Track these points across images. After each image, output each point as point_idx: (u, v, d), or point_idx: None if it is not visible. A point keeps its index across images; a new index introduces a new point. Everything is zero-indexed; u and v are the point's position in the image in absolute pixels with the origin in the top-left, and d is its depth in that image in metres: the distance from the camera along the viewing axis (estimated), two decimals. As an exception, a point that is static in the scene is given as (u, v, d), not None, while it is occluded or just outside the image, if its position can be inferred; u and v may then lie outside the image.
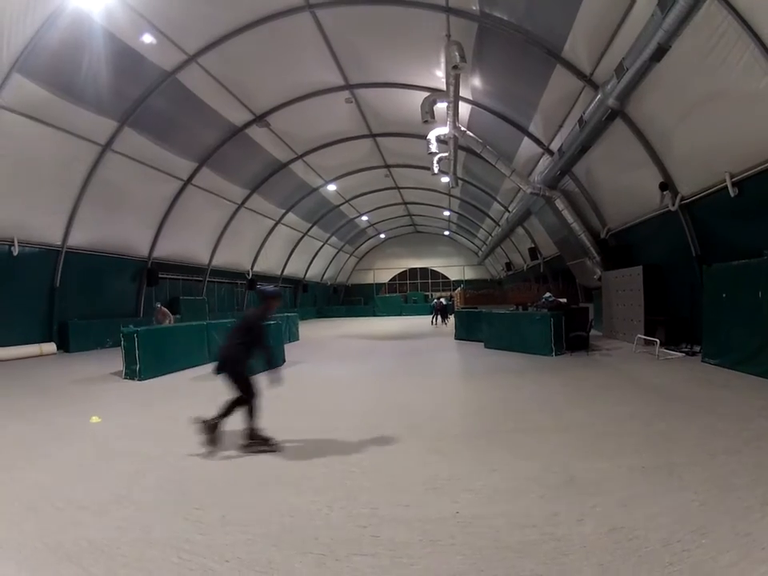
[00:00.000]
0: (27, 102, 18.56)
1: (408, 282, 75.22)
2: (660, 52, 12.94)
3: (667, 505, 5.19)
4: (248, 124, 28.58)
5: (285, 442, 8.15)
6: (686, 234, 17.35)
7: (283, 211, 42.51)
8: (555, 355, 17.38)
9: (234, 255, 40.36)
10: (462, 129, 24.12)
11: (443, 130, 24.36)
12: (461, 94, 21.07)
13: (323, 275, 64.35)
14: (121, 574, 4.23)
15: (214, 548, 4.67)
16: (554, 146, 23.36)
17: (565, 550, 4.40)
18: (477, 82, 23.24)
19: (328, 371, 16.53)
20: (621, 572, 3.99)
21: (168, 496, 5.96)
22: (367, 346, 25.39)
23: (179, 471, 6.84)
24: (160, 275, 31.57)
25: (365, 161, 39.18)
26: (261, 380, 8.03)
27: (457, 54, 16.59)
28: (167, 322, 21.65)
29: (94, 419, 9.98)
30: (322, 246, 56.89)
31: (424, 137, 26.41)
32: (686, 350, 16.52)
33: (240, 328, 7.99)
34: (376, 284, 74.95)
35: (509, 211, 38.64)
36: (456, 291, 54.72)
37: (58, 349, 23.64)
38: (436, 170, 29.66)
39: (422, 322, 45.27)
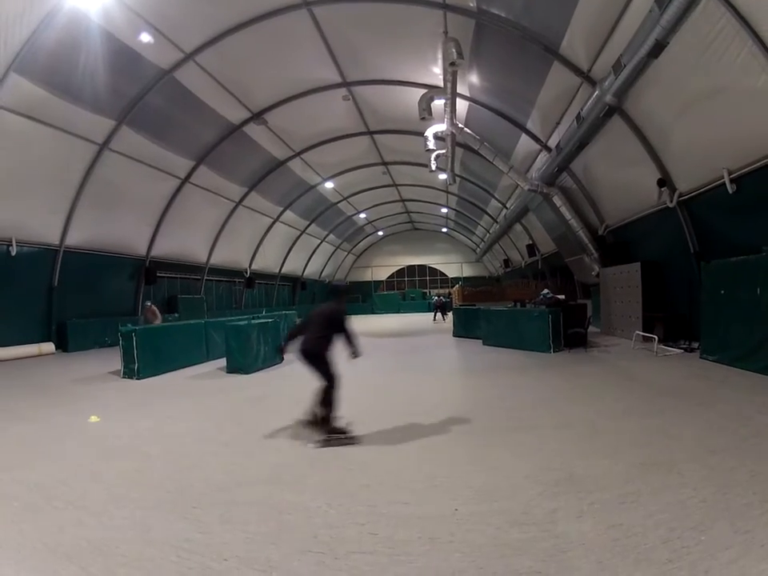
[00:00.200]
0: (25, 101, 18.53)
1: (406, 279, 75.12)
2: (658, 48, 12.94)
3: (666, 502, 5.20)
4: (245, 122, 28.53)
5: (283, 440, 8.15)
6: (684, 230, 17.35)
7: (281, 209, 42.41)
8: (553, 352, 17.41)
9: (232, 253, 40.30)
10: (460, 126, 24.12)
11: (441, 127, 24.33)
12: (458, 91, 21.05)
13: (321, 273, 64.19)
14: (120, 574, 4.23)
15: (212, 547, 4.68)
16: (552, 142, 23.33)
17: (563, 547, 4.41)
18: (474, 78, 23.22)
19: (327, 369, 16.50)
20: (620, 569, 4.00)
21: (167, 495, 5.97)
22: (365, 343, 25.16)
23: (178, 470, 6.85)
24: (158, 274, 31.51)
25: (362, 158, 39.11)
26: (340, 356, 8.59)
27: (454, 50, 16.58)
28: (156, 321, 21.51)
29: (93, 418, 9.99)
30: (320, 243, 56.78)
31: (421, 134, 26.38)
32: (685, 346, 16.52)
33: (320, 322, 8.43)
34: (374, 281, 74.82)
35: (507, 208, 38.65)
36: (454, 288, 54.69)
37: (56, 348, 23.62)
38: (434, 167, 29.57)
39: (420, 319, 45.35)
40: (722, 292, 13.72)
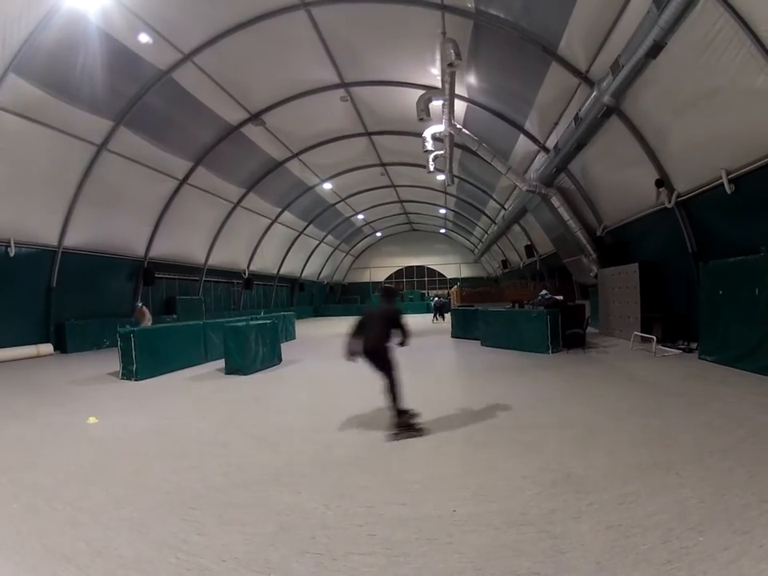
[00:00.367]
0: (23, 102, 18.54)
1: (404, 280, 75.10)
2: (656, 49, 12.94)
3: (664, 502, 5.20)
4: (243, 123, 28.55)
5: (281, 441, 8.16)
6: (682, 230, 17.36)
7: (279, 210, 42.42)
8: (552, 353, 17.41)
9: (231, 254, 40.31)
10: (458, 126, 24.10)
11: (439, 128, 24.31)
12: (456, 92, 21.01)
13: (319, 274, 64.29)
14: (118, 575, 4.23)
15: (211, 548, 4.68)
16: (550, 143, 23.35)
17: (562, 548, 4.41)
18: (472, 79, 23.23)
19: (325, 369, 16.50)
20: (618, 570, 4.00)
21: (165, 496, 5.97)
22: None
23: (176, 471, 6.85)
24: (156, 275, 31.50)
25: (360, 159, 39.12)
26: (393, 345, 9.17)
27: (452, 51, 16.57)
28: (144, 322, 21.54)
29: (92, 420, 9.99)
30: (318, 244, 56.84)
31: (419, 135, 26.33)
32: (683, 346, 16.54)
33: (379, 321, 9.29)
34: (372, 282, 74.73)
35: (505, 209, 38.65)
36: (452, 289, 54.69)
37: (55, 349, 23.59)
38: (432, 168, 29.58)
39: (419, 320, 45.26)
40: (721, 292, 13.73)
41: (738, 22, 11.18)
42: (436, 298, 48.30)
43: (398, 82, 25.83)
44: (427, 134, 25.31)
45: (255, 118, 28.16)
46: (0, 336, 21.04)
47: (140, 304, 22.40)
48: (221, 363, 16.62)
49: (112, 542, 4.81)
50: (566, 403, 10.21)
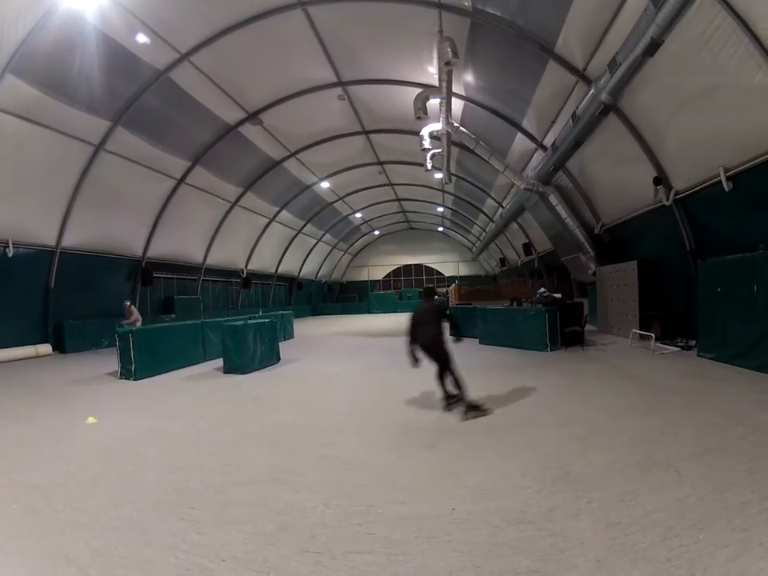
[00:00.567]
0: (20, 102, 18.52)
1: (402, 278, 75.07)
2: (653, 46, 12.94)
3: (664, 500, 5.21)
4: (241, 122, 28.53)
5: (280, 440, 8.17)
6: (680, 228, 17.36)
7: (277, 209, 42.44)
8: (550, 350, 17.43)
9: (229, 253, 40.29)
10: (455, 125, 24.10)
11: (436, 126, 24.30)
12: (453, 90, 21.01)
13: (317, 273, 64.27)
14: (118, 575, 4.24)
15: (210, 547, 4.69)
16: (548, 141, 23.37)
17: (561, 546, 4.42)
18: (469, 77, 23.22)
19: (323, 368, 16.52)
20: (618, 568, 4.01)
21: (164, 496, 5.97)
22: (362, 342, 25.40)
23: (175, 471, 6.85)
24: (154, 274, 31.48)
25: (358, 158, 39.11)
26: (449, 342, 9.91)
27: (449, 50, 16.57)
28: (131, 319, 21.43)
29: (90, 420, 9.98)
30: (316, 243, 56.84)
31: (417, 133, 26.31)
32: (682, 344, 16.53)
33: (431, 319, 10.21)
34: (370, 281, 74.86)
35: (502, 207, 38.66)
36: (451, 287, 54.73)
37: (53, 350, 23.56)
38: (429, 167, 29.62)
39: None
40: (719, 290, 13.72)
41: (736, 20, 11.18)
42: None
43: (395, 81, 25.81)
44: (425, 132, 25.30)
45: (253, 117, 28.15)
46: (-2, 336, 21.00)
47: (128, 303, 22.18)
48: (219, 362, 16.65)
49: (111, 542, 4.82)
50: (564, 401, 10.22)
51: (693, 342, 15.92)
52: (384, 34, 21.56)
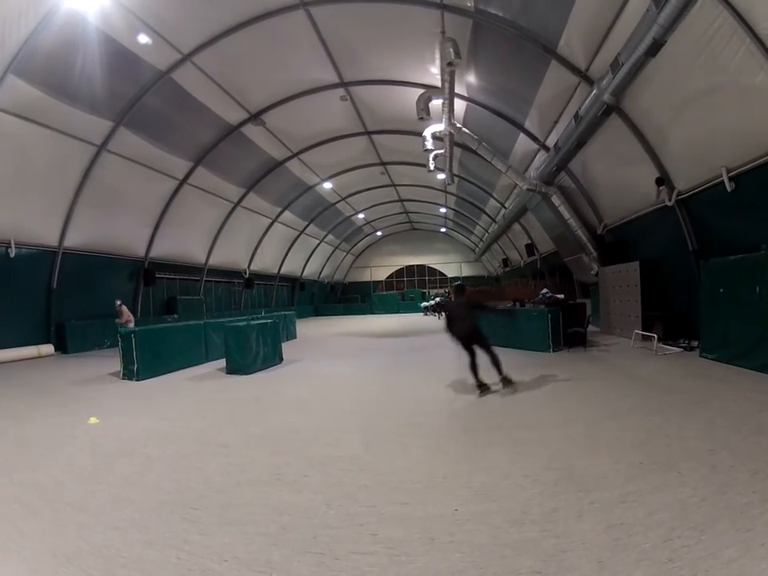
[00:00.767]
0: (22, 103, 18.54)
1: (405, 279, 75.17)
2: (655, 47, 12.93)
3: (666, 501, 5.20)
4: (243, 122, 28.57)
5: (282, 440, 8.17)
6: (682, 229, 17.34)
7: (279, 209, 42.46)
8: (553, 351, 17.41)
9: (231, 254, 40.35)
10: (458, 125, 24.10)
11: (439, 127, 24.31)
12: (456, 91, 21.03)
13: (320, 273, 64.36)
14: (119, 575, 4.23)
15: (212, 548, 4.68)
16: (550, 141, 23.35)
17: (564, 547, 4.41)
18: (472, 78, 23.22)
19: (326, 369, 16.54)
20: (620, 569, 4.00)
21: (166, 496, 5.97)
22: (365, 343, 25.40)
23: (177, 471, 6.85)
24: (157, 275, 31.55)
25: (360, 158, 39.14)
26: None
27: (451, 50, 16.60)
28: (126, 321, 21.31)
29: (93, 420, 9.99)
30: (319, 244, 56.92)
31: (419, 134, 26.35)
32: (684, 345, 16.50)
33: (466, 311, 11.73)
34: (373, 282, 74.95)
35: (505, 207, 38.69)
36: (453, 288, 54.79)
37: (55, 350, 23.62)
38: (432, 167, 29.58)
39: (419, 319, 45.47)
40: (721, 290, 13.70)
41: (737, 20, 11.16)
42: (438, 299, 50.36)
43: (397, 81, 25.83)
44: (427, 133, 25.33)
45: (255, 117, 28.18)
46: (1, 337, 21.06)
47: (118, 302, 21.89)
48: (222, 363, 16.66)
49: (113, 542, 4.82)
50: (567, 402, 10.21)
51: (695, 343, 15.88)
52: (386, 34, 21.57)
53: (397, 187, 48.62)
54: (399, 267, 75.36)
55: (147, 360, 15.52)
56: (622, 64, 14.33)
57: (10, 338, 21.40)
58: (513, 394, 11.01)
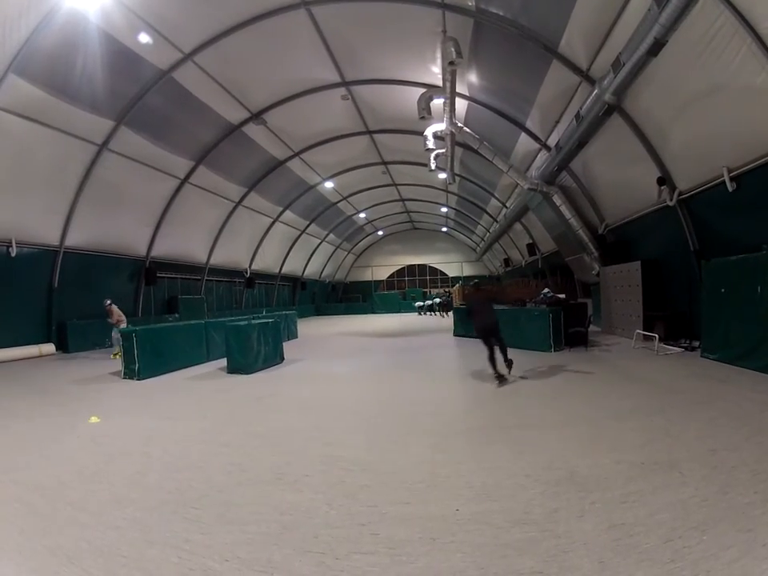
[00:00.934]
0: (23, 102, 18.53)
1: (406, 278, 75.12)
2: (657, 46, 12.94)
3: (667, 501, 5.20)
4: (245, 122, 28.56)
5: (283, 440, 8.17)
6: (684, 228, 17.33)
7: (281, 209, 42.45)
8: (554, 351, 17.43)
9: (232, 253, 40.36)
10: (459, 125, 24.12)
11: (440, 127, 24.32)
12: (457, 90, 21.02)
13: (321, 273, 64.35)
14: (120, 575, 4.24)
15: (213, 547, 4.68)
16: (551, 141, 23.35)
17: (565, 547, 4.40)
18: (473, 78, 23.21)
19: (327, 368, 16.56)
20: (621, 569, 4.00)
21: (167, 496, 5.97)
22: (366, 343, 25.40)
23: (178, 471, 6.85)
24: (158, 274, 31.55)
25: (362, 158, 39.12)
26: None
27: (453, 49, 16.59)
28: (116, 321, 21.04)
29: (94, 419, 9.99)
30: (320, 243, 56.89)
31: (421, 133, 26.38)
32: (685, 345, 16.49)
33: (486, 307, 13.49)
34: (374, 281, 74.90)
35: (506, 207, 38.65)
36: (454, 288, 54.79)
37: (56, 349, 23.63)
38: (433, 167, 29.58)
39: (421, 318, 45.46)
40: (723, 290, 13.69)
41: (739, 20, 11.15)
42: (438, 299, 51.86)
43: (398, 81, 25.83)
44: (428, 132, 25.35)
45: (256, 117, 28.16)
46: (2, 336, 21.08)
47: (108, 302, 21.42)
48: (223, 362, 16.68)
49: (114, 541, 4.82)
50: (568, 402, 10.22)
51: (696, 343, 15.89)
52: (388, 33, 21.56)
53: (398, 187, 48.58)
54: (400, 267, 75.30)
55: (148, 359, 15.54)
56: (624, 64, 14.34)
57: (11, 337, 21.43)
58: (504, 383, 12.15)
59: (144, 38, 18.99)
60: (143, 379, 15.01)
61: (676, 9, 11.59)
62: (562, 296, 20.76)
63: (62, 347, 23.97)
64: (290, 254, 50.78)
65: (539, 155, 26.27)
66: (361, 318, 51.39)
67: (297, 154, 35.35)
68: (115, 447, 8.05)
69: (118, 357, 18.84)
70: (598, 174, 22.27)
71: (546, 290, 21.25)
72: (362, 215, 56.72)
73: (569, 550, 4.34)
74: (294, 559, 4.43)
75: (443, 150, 27.90)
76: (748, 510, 4.89)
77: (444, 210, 56.69)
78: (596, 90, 16.52)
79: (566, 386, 11.88)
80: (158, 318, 29.13)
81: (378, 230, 68.85)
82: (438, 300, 51.58)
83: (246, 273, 43.57)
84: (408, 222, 68.13)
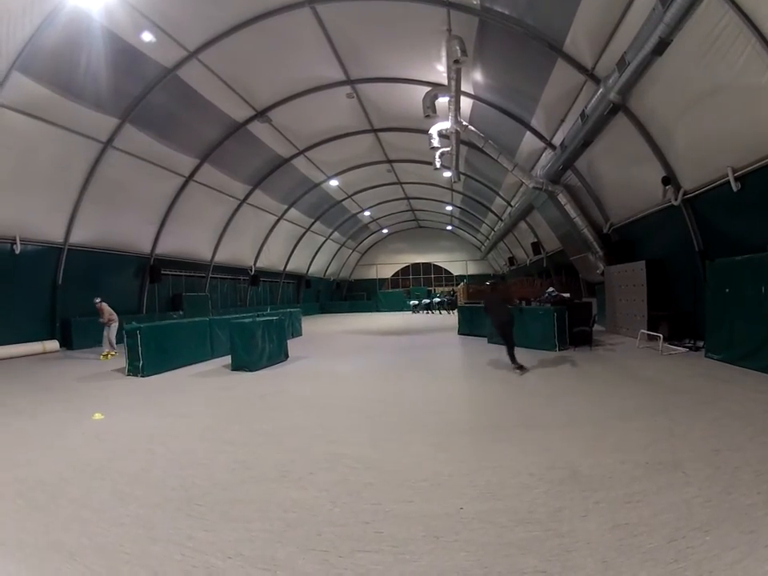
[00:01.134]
0: (27, 100, 18.57)
1: (411, 277, 75.00)
2: (662, 46, 12.93)
3: (671, 501, 5.19)
4: (249, 120, 28.58)
5: (287, 437, 8.18)
6: (688, 228, 17.32)
7: (285, 207, 42.51)
8: (558, 350, 17.39)
9: (237, 251, 40.43)
10: (464, 123, 24.10)
11: (445, 125, 24.32)
12: (462, 89, 21.02)
13: (326, 271, 64.35)
14: (123, 572, 4.23)
15: (217, 544, 4.68)
16: (556, 140, 23.34)
17: (568, 547, 4.40)
18: (478, 76, 23.20)
19: (331, 366, 16.58)
20: (624, 569, 3.99)
21: (171, 492, 5.98)
22: (370, 341, 25.41)
23: (182, 468, 6.86)
24: (162, 272, 31.64)
25: (367, 156, 39.14)
26: None
27: (458, 48, 16.58)
28: (108, 320, 20.53)
29: (97, 416, 10.01)
30: (325, 241, 56.92)
31: (426, 131, 26.36)
32: (690, 345, 16.47)
33: (502, 305, 14.42)
34: (379, 279, 74.89)
35: (511, 206, 38.66)
36: (459, 286, 54.78)
37: (60, 346, 23.68)
38: (438, 165, 29.58)
39: (425, 317, 45.43)
40: (727, 290, 13.67)
41: (742, 19, 11.15)
42: (436, 298, 53.00)
43: (403, 79, 25.84)
44: (433, 130, 25.35)
45: (261, 115, 28.20)
46: (6, 333, 21.14)
47: (98, 300, 20.98)
48: (227, 360, 16.71)
49: (117, 538, 4.82)
50: (572, 401, 10.19)
51: (701, 343, 15.85)
52: (393, 32, 21.56)
53: (403, 185, 48.59)
54: (405, 265, 75.22)
55: (152, 356, 15.56)
56: (629, 63, 14.34)
57: (15, 334, 21.49)
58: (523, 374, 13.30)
59: (148, 36, 19.00)
60: (147, 376, 15.03)
61: (681, 8, 11.58)
62: (567, 295, 20.71)
63: (66, 344, 24.04)
64: (295, 252, 50.81)
65: (544, 154, 26.26)
66: (365, 316, 51.37)
67: (302, 152, 35.37)
68: (119, 444, 8.06)
69: (109, 358, 18.89)
70: (602, 173, 22.27)
71: (551, 288, 21.19)
72: (367, 213, 56.73)
73: (572, 550, 4.33)
74: (297, 557, 4.43)
75: (448, 149, 27.90)
76: (751, 510, 4.88)
77: (449, 208, 56.65)
78: (601, 89, 16.52)
79: (570, 386, 11.87)
80: (163, 316, 29.10)
81: (382, 228, 68.80)
82: (436, 299, 51.69)
83: (251, 270, 43.64)
84: (413, 220, 68.07)
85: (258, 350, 16.07)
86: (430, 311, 50.99)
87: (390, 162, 40.82)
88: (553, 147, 24.07)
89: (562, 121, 22.15)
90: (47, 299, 23.81)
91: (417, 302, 53.49)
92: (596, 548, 4.33)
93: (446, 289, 63.73)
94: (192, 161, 28.92)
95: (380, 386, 12.94)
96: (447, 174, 35.01)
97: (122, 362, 16.66)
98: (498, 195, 40.28)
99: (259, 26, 20.37)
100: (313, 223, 49.90)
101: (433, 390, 12.12)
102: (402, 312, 56.37)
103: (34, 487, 6.21)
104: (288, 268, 51.30)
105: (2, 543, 4.75)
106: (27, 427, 9.36)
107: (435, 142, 25.85)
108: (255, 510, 5.41)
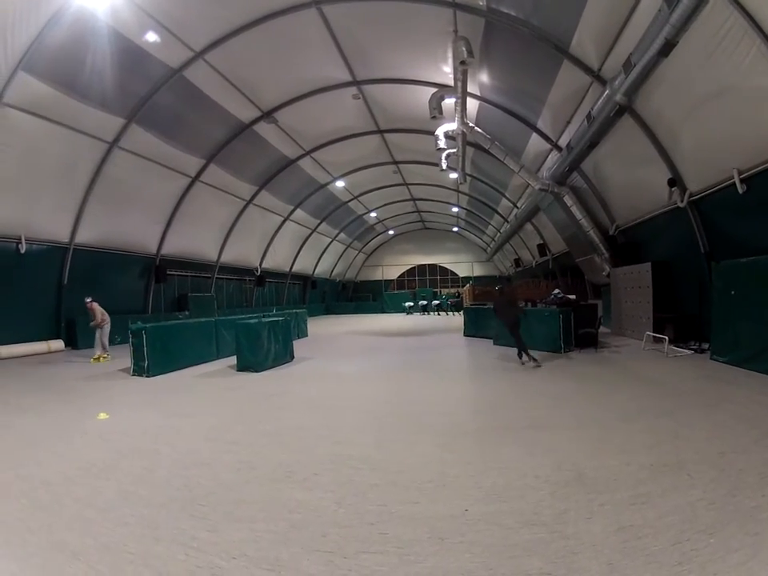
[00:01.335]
0: (33, 99, 18.61)
1: (417, 278, 75.00)
2: (667, 47, 12.90)
3: (676, 503, 5.18)
4: (255, 120, 28.60)
5: (293, 438, 8.18)
6: (694, 230, 17.27)
7: (291, 207, 42.49)
8: (564, 352, 17.36)
9: (243, 252, 40.44)
10: (470, 125, 24.08)
11: (451, 126, 24.31)
12: (468, 90, 21.01)
13: (332, 272, 64.35)
14: (127, 571, 4.24)
15: (221, 545, 4.68)
16: (563, 141, 23.30)
17: (574, 549, 4.39)
18: (484, 77, 23.18)
19: (337, 367, 16.58)
20: (629, 571, 3.99)
21: (175, 493, 5.98)
22: (376, 342, 25.42)
23: (186, 468, 6.87)
24: (168, 272, 31.70)
25: (373, 157, 39.11)
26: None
27: (464, 49, 16.58)
28: (99, 320, 19.76)
29: (102, 416, 10.03)
30: (331, 242, 56.89)
31: (432, 133, 26.39)
32: (695, 347, 16.46)
33: (510, 307, 15.86)
34: (385, 280, 74.84)
35: (517, 207, 38.65)
36: (465, 288, 54.74)
37: (65, 346, 23.74)
38: (444, 166, 29.52)
39: (431, 318, 45.43)
40: (733, 293, 13.65)
41: (748, 21, 11.10)
42: (436, 301, 54.51)
43: (410, 80, 25.82)
44: (440, 132, 25.36)
45: (267, 115, 28.20)
46: (11, 332, 21.21)
47: (89, 300, 20.17)
48: (232, 360, 16.72)
49: (121, 538, 4.83)
50: (578, 403, 10.19)
51: (706, 345, 15.86)
52: (399, 33, 21.56)
53: (409, 186, 48.54)
54: (411, 266, 75.16)
55: (158, 356, 15.59)
56: (635, 64, 14.30)
57: (20, 334, 21.55)
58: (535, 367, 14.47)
59: (153, 36, 19.02)
60: (152, 376, 15.07)
61: (686, 9, 11.55)
62: (573, 297, 20.69)
63: (71, 344, 24.09)
64: (301, 253, 50.81)
65: (550, 155, 26.22)
66: (371, 318, 51.39)
67: (308, 153, 35.38)
68: (123, 444, 8.08)
69: (101, 361, 18.88)
70: (608, 175, 22.23)
71: (557, 290, 21.19)
72: (373, 214, 56.69)
73: (577, 552, 4.33)
74: (302, 558, 4.43)
75: (454, 150, 27.86)
76: (756, 513, 4.88)
77: (455, 209, 56.61)
78: (607, 91, 16.48)
79: (575, 387, 11.85)
80: (168, 316, 29.11)
81: (388, 230, 68.73)
82: (436, 302, 51.84)
83: (257, 271, 43.60)
84: (419, 221, 68.03)
85: (264, 350, 16.09)
86: (426, 313, 50.91)
87: (396, 163, 40.78)
88: (559, 149, 24.04)
89: (568, 122, 22.13)
90: (52, 299, 23.87)
91: (411, 304, 53.46)
92: (601, 550, 4.33)
93: (452, 290, 63.74)
94: (198, 161, 28.93)
95: (386, 387, 12.93)
96: (453, 175, 34.99)
97: (116, 364, 16.77)
98: (504, 197, 40.27)
99: (265, 26, 20.39)
100: (319, 224, 49.91)
101: (439, 391, 12.13)
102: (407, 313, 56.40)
103: (38, 486, 6.23)
104: (294, 269, 51.30)
105: (6, 542, 4.77)
106: (32, 427, 9.38)
107: (441, 144, 25.86)
108: (260, 511, 5.41)
